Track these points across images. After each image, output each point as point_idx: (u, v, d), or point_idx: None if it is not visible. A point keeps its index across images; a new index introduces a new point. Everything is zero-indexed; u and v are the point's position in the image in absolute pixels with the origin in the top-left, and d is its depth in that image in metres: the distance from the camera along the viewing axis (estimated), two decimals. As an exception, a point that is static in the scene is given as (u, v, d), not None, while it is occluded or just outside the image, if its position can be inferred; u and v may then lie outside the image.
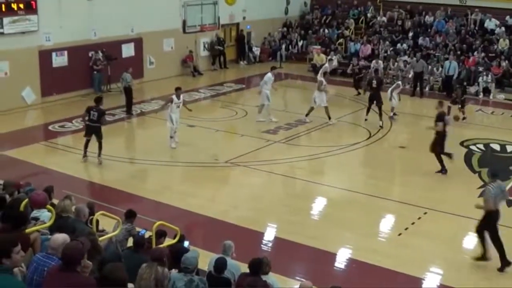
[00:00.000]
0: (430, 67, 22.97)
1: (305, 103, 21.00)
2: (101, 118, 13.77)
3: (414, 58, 22.25)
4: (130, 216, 8.48)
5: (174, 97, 15.07)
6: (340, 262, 9.96)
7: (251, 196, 12.55)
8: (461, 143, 16.01)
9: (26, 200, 6.93)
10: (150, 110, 18.98)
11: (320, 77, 18.07)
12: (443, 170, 13.69)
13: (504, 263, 9.44)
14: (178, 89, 15.25)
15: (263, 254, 9.25)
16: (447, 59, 23.20)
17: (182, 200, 12.16)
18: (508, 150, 15.76)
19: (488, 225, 9.41)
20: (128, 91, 18.51)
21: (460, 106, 17.93)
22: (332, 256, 10.02)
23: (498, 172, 9.93)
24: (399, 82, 19.09)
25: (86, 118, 13.98)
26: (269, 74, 17.83)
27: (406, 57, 23.51)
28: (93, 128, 13.84)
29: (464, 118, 17.75)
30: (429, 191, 12.86)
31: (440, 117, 13.53)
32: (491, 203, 9.29)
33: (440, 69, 22.72)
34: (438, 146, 13.62)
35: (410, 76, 22.14)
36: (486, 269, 9.63)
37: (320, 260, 9.95)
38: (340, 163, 14.85)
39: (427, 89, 22.49)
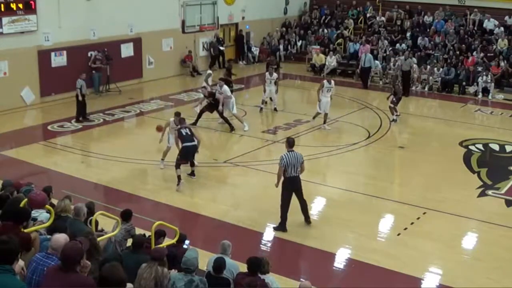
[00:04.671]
0: (429, 67, 23.02)
1: (304, 103, 21.06)
2: None
3: (402, 57, 22.25)
4: (126, 216, 8.47)
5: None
6: (339, 262, 9.96)
7: (251, 196, 12.53)
8: (460, 143, 16.04)
9: (25, 200, 6.90)
10: (149, 110, 19.00)
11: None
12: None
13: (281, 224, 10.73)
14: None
15: (263, 254, 9.27)
16: (446, 59, 23.32)
17: (182, 200, 12.15)
18: (507, 150, 15.78)
19: (283, 190, 10.68)
20: (78, 98, 17.16)
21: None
22: (331, 256, 10.02)
23: (293, 142, 10.93)
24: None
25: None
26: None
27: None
28: None
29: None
30: (428, 191, 12.85)
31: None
32: (281, 170, 10.56)
33: (441, 69, 22.77)
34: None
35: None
36: (487, 269, 9.64)
37: (319, 260, 9.95)
38: (340, 163, 14.84)
39: (426, 89, 22.55)
